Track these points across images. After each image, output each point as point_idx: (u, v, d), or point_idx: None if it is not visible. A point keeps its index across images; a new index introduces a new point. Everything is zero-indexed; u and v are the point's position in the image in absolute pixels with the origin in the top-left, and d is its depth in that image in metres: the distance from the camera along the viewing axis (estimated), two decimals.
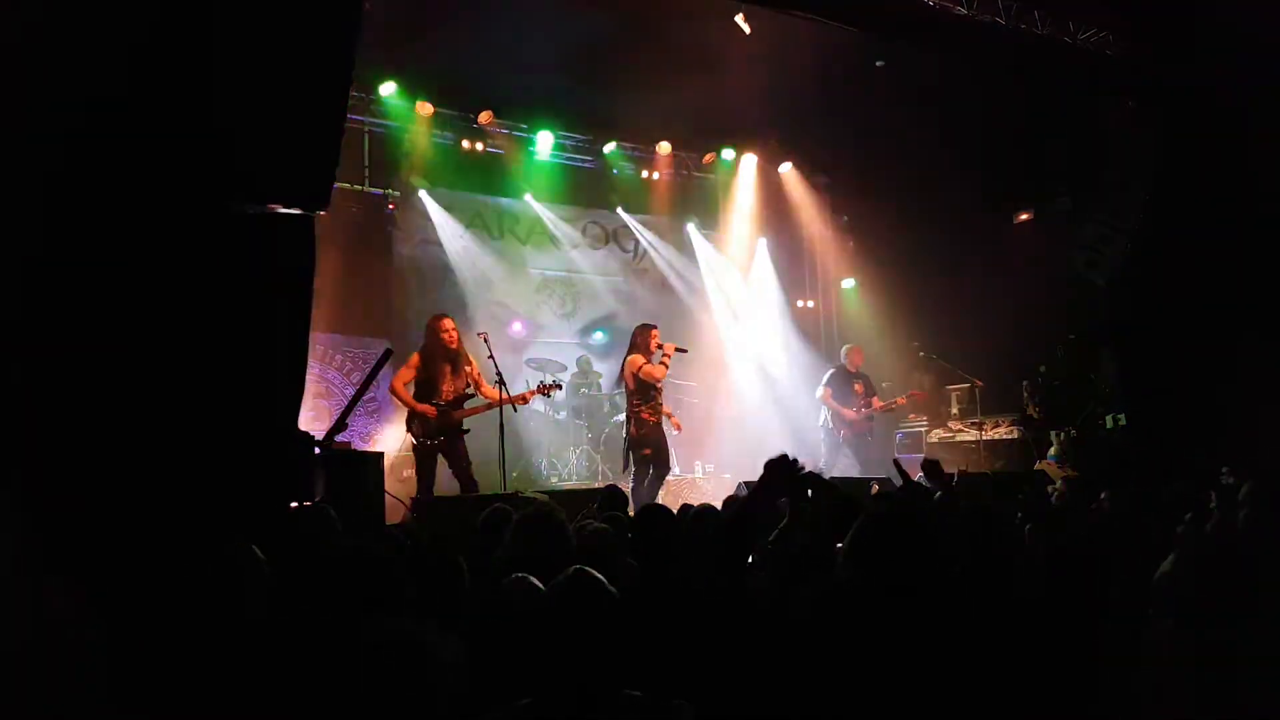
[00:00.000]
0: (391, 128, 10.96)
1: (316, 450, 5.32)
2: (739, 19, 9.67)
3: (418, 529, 4.93)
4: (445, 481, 7.74)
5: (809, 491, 3.74)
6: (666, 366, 7.93)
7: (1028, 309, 10.97)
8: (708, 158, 13.28)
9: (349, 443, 7.29)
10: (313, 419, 9.05)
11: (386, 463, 7.34)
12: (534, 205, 12.24)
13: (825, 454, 10.28)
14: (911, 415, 12.05)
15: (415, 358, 7.60)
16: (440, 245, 11.43)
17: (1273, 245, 8.47)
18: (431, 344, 7.59)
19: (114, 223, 3.80)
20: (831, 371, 10.60)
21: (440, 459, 7.49)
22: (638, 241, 13.12)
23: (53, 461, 3.53)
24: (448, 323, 7.63)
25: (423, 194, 11.28)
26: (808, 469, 2.68)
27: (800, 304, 14.20)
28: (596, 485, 8.60)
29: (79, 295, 3.72)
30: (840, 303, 14.16)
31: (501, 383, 7.52)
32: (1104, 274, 9.43)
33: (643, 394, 7.88)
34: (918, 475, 4.92)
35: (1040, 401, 11.05)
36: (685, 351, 8.37)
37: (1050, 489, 6.06)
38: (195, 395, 3.93)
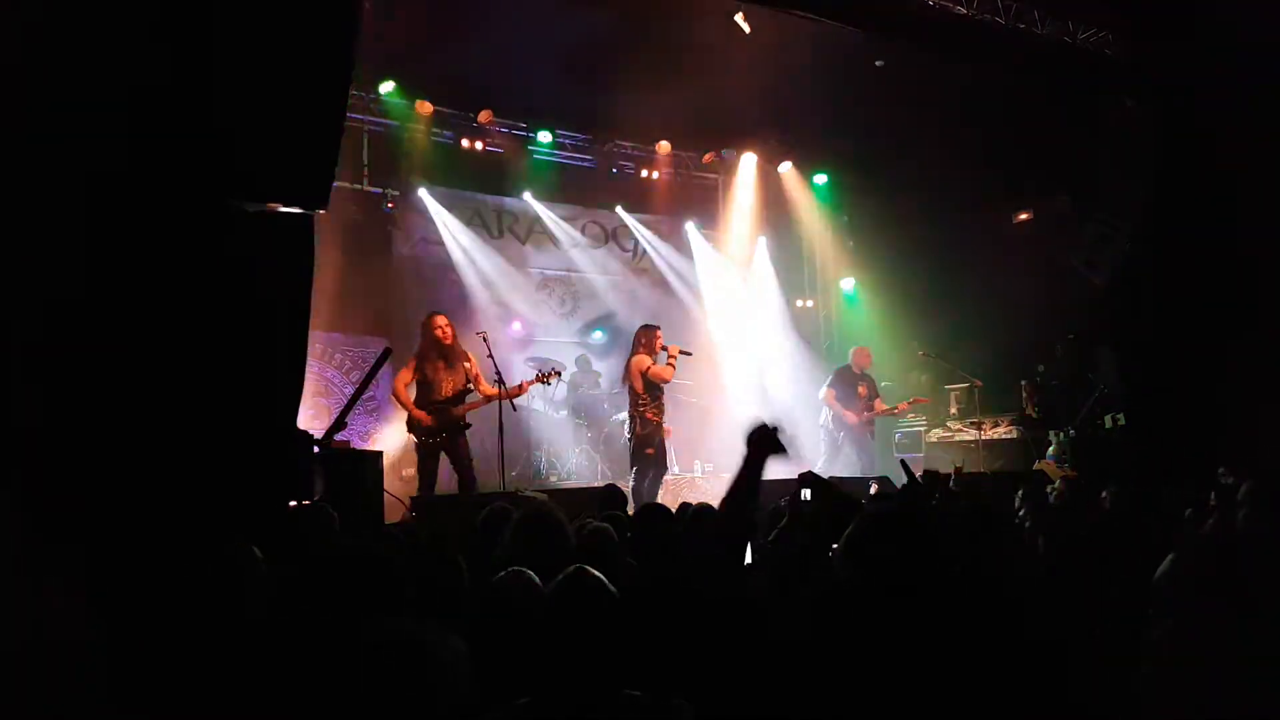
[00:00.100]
0: (391, 126, 10.96)
1: (315, 449, 5.32)
2: (739, 18, 9.67)
3: (417, 528, 4.93)
4: (445, 482, 7.74)
5: (809, 492, 3.74)
6: (674, 368, 7.99)
7: (1027, 309, 10.97)
8: (707, 157, 13.28)
9: (348, 441, 7.28)
10: (312, 418, 9.05)
11: (386, 461, 7.34)
12: (533, 204, 12.25)
13: (825, 453, 10.28)
14: (910, 414, 12.05)
15: (412, 359, 7.63)
16: (440, 244, 11.44)
17: (1272, 245, 8.47)
18: (426, 342, 7.61)
19: (114, 222, 3.80)
20: (836, 372, 10.60)
21: (443, 457, 7.50)
22: (637, 241, 13.13)
23: (52, 461, 3.53)
24: (440, 320, 7.64)
25: (422, 192, 11.29)
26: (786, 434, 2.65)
27: (799, 304, 14.20)
28: (596, 484, 8.61)
29: (78, 294, 3.72)
30: (839, 302, 14.16)
31: (500, 382, 7.53)
32: (1103, 274, 9.43)
33: (649, 394, 7.94)
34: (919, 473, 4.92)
35: (1039, 401, 11.06)
36: (689, 355, 8.41)
37: (1049, 489, 6.05)
38: (194, 394, 3.93)
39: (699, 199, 13.62)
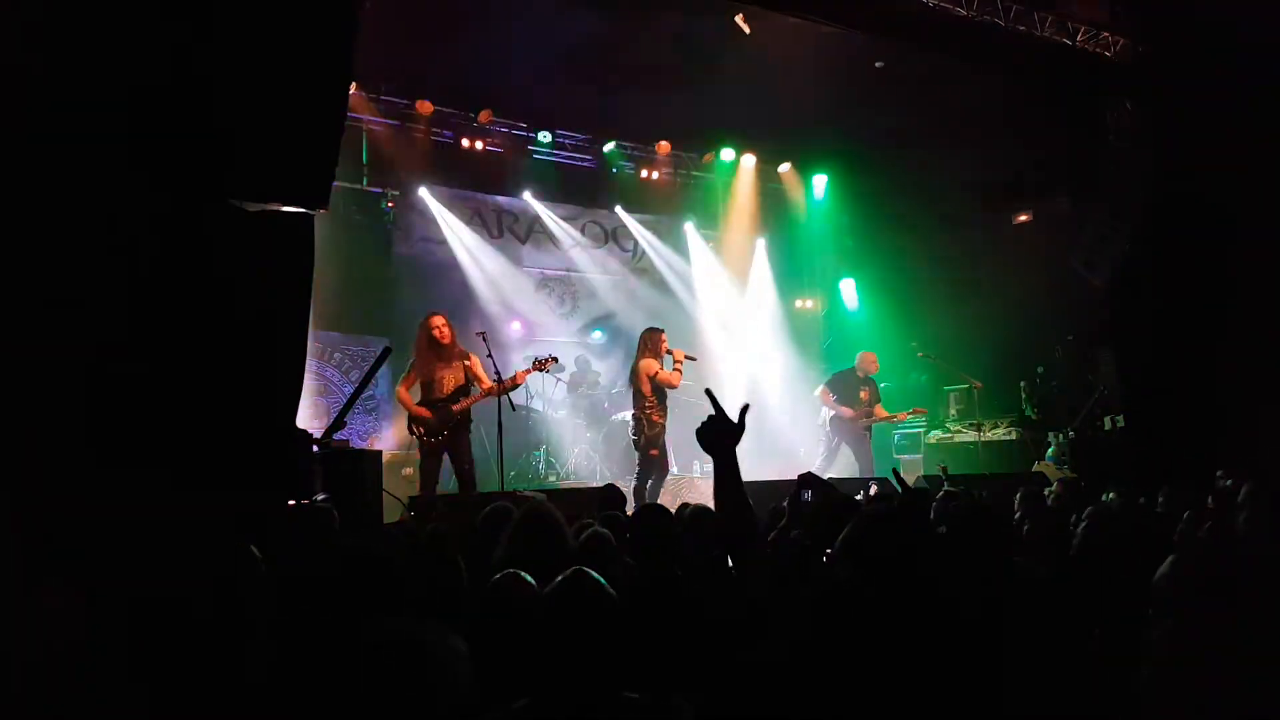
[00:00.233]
0: (391, 126, 10.96)
1: (315, 448, 5.32)
2: (739, 19, 9.67)
3: (416, 528, 4.93)
4: (445, 483, 7.76)
5: (808, 493, 3.75)
6: (680, 374, 8.05)
7: (1026, 310, 10.98)
8: (707, 157, 13.28)
9: (347, 441, 7.29)
10: (311, 417, 9.06)
11: (385, 461, 7.35)
12: (533, 204, 12.25)
13: (822, 454, 10.27)
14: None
15: (412, 363, 7.67)
16: (439, 244, 11.45)
17: (1272, 246, 8.47)
18: (423, 343, 7.62)
19: (113, 222, 3.80)
20: (838, 372, 10.57)
21: (445, 458, 7.52)
22: (637, 241, 13.13)
23: (51, 460, 3.53)
24: (437, 320, 7.65)
25: (422, 192, 11.30)
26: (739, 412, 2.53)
27: (798, 304, 14.20)
28: (595, 484, 8.61)
29: (78, 294, 3.72)
30: (839, 303, 14.16)
31: (499, 381, 7.54)
32: (1103, 275, 9.42)
33: (655, 397, 8.02)
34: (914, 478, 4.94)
35: (1038, 402, 11.06)
36: (694, 359, 8.47)
37: (1047, 490, 6.05)
38: (194, 393, 3.93)
39: (698, 199, 13.62)
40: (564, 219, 12.53)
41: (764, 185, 13.66)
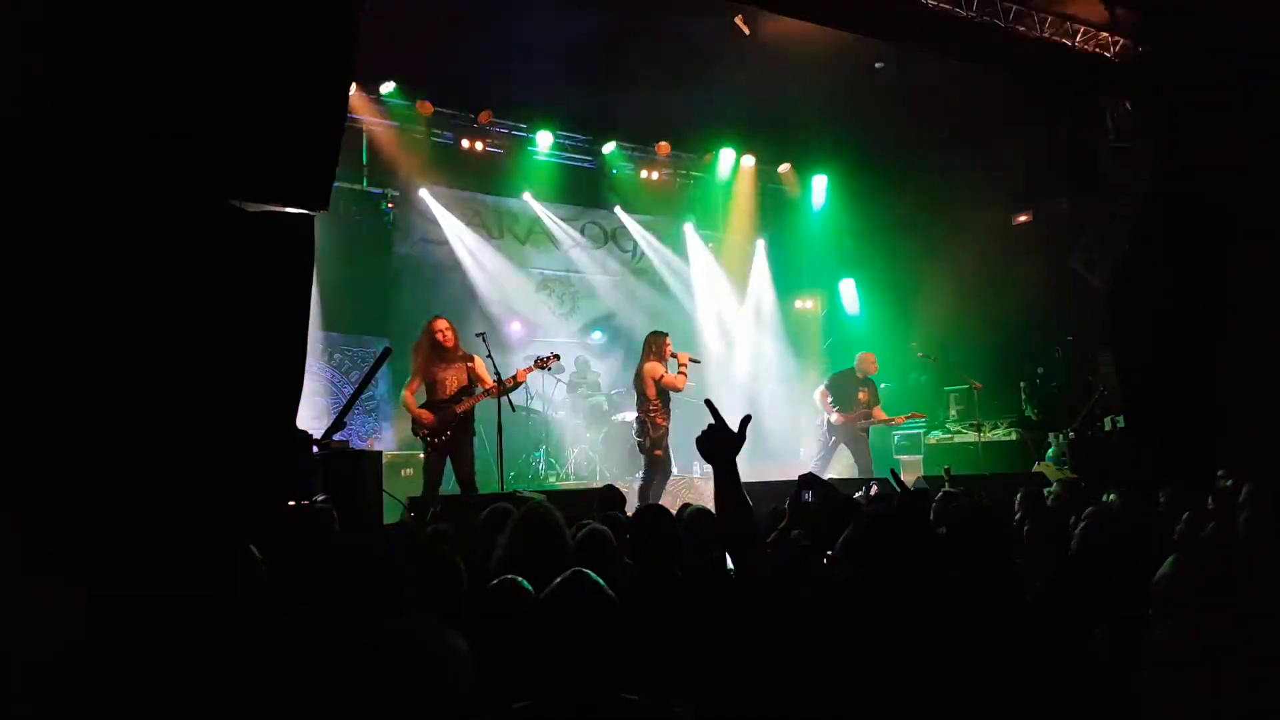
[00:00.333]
0: (391, 127, 10.96)
1: (315, 449, 5.31)
2: (738, 20, 9.68)
3: (416, 528, 4.92)
4: (447, 484, 7.76)
5: (809, 493, 3.74)
6: (685, 377, 8.10)
7: (1027, 310, 10.98)
8: (707, 158, 13.28)
9: (347, 442, 7.29)
10: (311, 418, 9.06)
11: (385, 461, 7.35)
12: (533, 205, 12.26)
13: (818, 455, 10.26)
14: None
15: (417, 368, 7.68)
16: (439, 244, 11.46)
17: (1272, 246, 8.47)
18: (426, 346, 7.63)
19: (114, 222, 3.80)
20: (836, 374, 10.56)
21: (449, 460, 7.55)
22: (636, 241, 13.13)
23: (51, 460, 3.53)
24: (440, 323, 7.68)
25: (422, 193, 11.30)
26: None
27: (799, 304, 14.20)
28: (595, 485, 8.61)
29: (77, 294, 3.72)
30: (839, 303, 14.16)
31: (500, 381, 7.54)
32: (1102, 275, 9.43)
33: (660, 400, 8.07)
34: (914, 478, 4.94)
35: (1039, 403, 11.07)
36: (698, 362, 8.50)
37: (1047, 491, 6.04)
38: (194, 393, 3.92)
39: (698, 200, 13.62)
40: (564, 220, 12.54)
41: (764, 186, 13.66)
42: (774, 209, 13.87)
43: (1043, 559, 3.46)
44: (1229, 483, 5.23)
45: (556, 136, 12.06)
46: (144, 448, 3.71)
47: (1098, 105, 9.99)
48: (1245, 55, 8.34)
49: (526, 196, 12.16)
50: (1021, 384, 11.37)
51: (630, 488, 7.95)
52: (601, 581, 2.24)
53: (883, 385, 10.80)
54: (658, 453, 8.05)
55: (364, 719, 1.73)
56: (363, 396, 8.70)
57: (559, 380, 11.24)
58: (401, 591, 2.39)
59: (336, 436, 6.01)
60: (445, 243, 11.49)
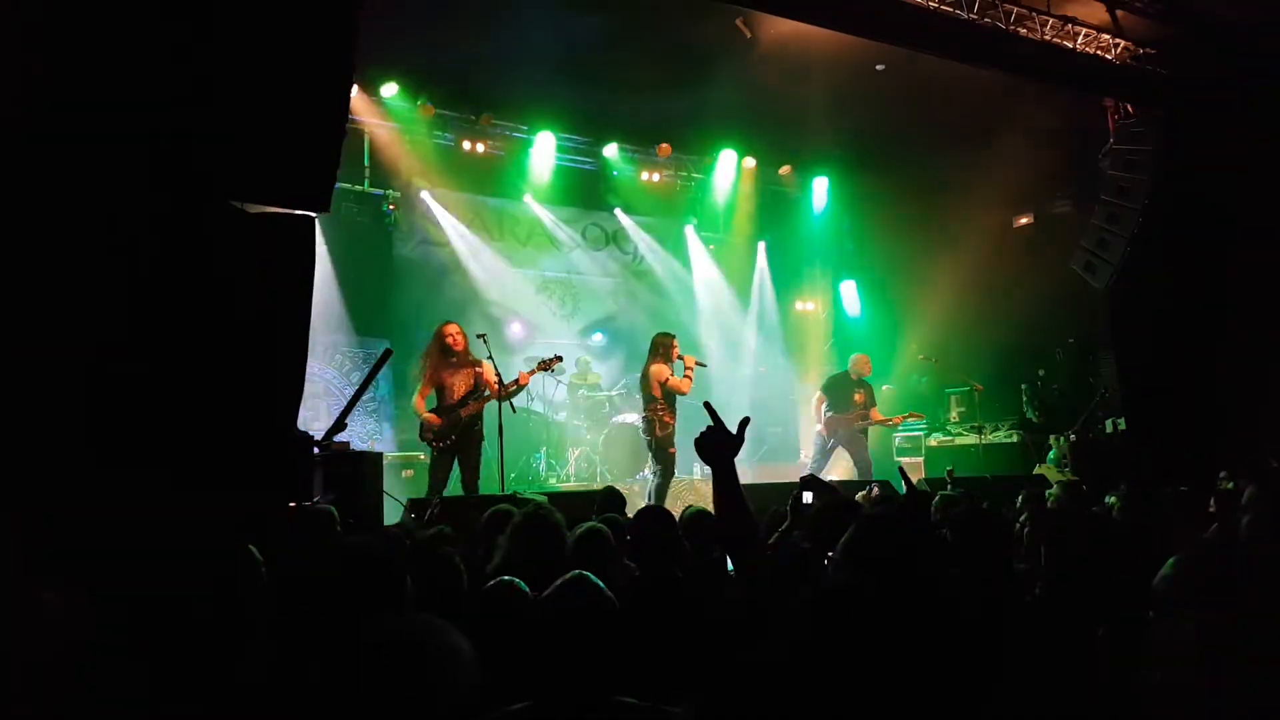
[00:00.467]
0: (393, 129, 10.97)
1: (315, 450, 5.32)
2: (739, 23, 9.67)
3: (416, 529, 4.92)
4: (451, 488, 7.76)
5: (809, 495, 3.74)
6: (691, 380, 8.14)
7: (1028, 312, 10.97)
8: (708, 160, 13.27)
9: (348, 442, 7.29)
10: (312, 419, 9.06)
11: (385, 462, 7.34)
12: (534, 207, 12.26)
13: (814, 457, 10.26)
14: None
15: (426, 373, 7.69)
16: (440, 246, 11.45)
17: (1272, 246, 8.47)
18: (435, 350, 7.66)
19: (115, 222, 3.80)
20: (832, 377, 10.56)
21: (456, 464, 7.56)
22: (637, 243, 13.13)
23: (51, 460, 3.53)
24: (451, 328, 7.73)
25: (423, 195, 11.30)
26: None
27: (800, 306, 14.20)
28: (595, 487, 8.60)
29: (78, 294, 3.72)
30: (839, 305, 14.15)
31: (501, 383, 7.55)
32: (1103, 277, 9.42)
33: (665, 400, 8.12)
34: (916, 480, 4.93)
35: (1040, 405, 11.06)
36: (704, 365, 8.54)
37: (1048, 493, 6.04)
38: (194, 394, 3.93)
39: (699, 202, 13.62)
40: (564, 221, 12.54)
41: (764, 188, 13.65)
42: (775, 211, 13.85)
43: (1043, 560, 3.45)
44: (1230, 484, 5.22)
45: (557, 138, 12.06)
46: (144, 448, 3.71)
47: (1098, 107, 9.99)
48: (1245, 56, 8.35)
49: (527, 198, 12.16)
50: (1023, 386, 11.37)
51: (631, 489, 7.95)
52: (601, 584, 2.24)
53: (884, 387, 10.80)
54: (670, 450, 8.11)
55: (364, 719, 1.73)
56: (364, 398, 8.70)
57: (560, 382, 11.23)
58: (402, 591, 2.39)
59: (337, 438, 6.02)
60: (446, 244, 11.49)
